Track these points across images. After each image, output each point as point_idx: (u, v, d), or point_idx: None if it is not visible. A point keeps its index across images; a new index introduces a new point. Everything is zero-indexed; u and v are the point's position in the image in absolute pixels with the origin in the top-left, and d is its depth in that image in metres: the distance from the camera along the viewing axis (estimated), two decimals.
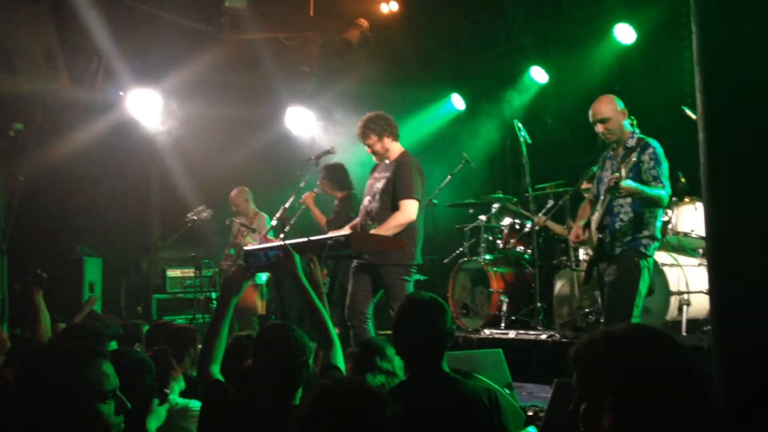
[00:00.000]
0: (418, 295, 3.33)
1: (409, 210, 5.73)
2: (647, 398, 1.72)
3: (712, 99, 2.23)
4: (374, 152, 6.04)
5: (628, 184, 4.95)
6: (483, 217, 8.48)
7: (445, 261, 9.04)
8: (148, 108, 9.57)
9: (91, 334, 4.04)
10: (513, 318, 7.91)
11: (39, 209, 9.30)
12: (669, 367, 1.77)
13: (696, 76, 2.30)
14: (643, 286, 5.07)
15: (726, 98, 2.23)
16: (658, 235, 5.27)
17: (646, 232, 5.17)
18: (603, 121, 5.32)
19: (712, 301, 2.38)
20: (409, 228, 5.74)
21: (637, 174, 5.14)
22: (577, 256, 7.39)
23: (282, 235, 5.90)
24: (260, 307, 8.21)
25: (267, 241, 6.47)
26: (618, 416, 1.74)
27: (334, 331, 3.34)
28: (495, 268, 8.13)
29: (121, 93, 9.43)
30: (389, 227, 5.67)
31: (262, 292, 8.28)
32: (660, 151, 5.16)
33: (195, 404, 4.12)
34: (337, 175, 7.44)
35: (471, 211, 8.97)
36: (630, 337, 1.83)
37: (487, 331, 7.66)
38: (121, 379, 2.61)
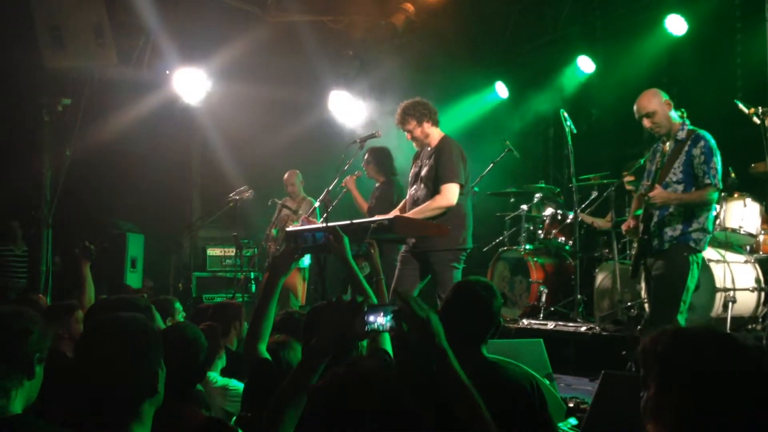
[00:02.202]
0: (472, 277, 3.29)
1: (450, 194, 5.59)
2: (714, 398, 1.76)
3: None
4: (414, 138, 5.94)
5: (659, 196, 4.97)
6: (524, 207, 8.43)
7: (485, 249, 8.98)
8: (193, 87, 9.62)
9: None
10: (552, 309, 7.87)
11: (84, 184, 9.44)
12: (739, 367, 1.79)
13: None
14: (691, 282, 4.97)
15: None
16: (710, 227, 5.15)
17: (695, 225, 5.05)
18: (649, 115, 5.21)
19: None
20: (456, 212, 5.63)
21: (689, 167, 5.05)
22: (621, 248, 7.31)
23: (325, 215, 5.90)
24: (301, 289, 8.24)
25: (310, 223, 6.49)
26: (683, 413, 1.78)
27: None
28: (535, 258, 8.09)
29: (167, 71, 9.52)
30: (425, 210, 5.56)
31: (304, 276, 8.31)
32: (713, 143, 5.05)
33: (234, 384, 4.13)
34: (380, 158, 7.43)
35: (512, 200, 8.94)
36: (700, 337, 1.87)
37: (525, 321, 7.64)
38: (174, 352, 2.64)
